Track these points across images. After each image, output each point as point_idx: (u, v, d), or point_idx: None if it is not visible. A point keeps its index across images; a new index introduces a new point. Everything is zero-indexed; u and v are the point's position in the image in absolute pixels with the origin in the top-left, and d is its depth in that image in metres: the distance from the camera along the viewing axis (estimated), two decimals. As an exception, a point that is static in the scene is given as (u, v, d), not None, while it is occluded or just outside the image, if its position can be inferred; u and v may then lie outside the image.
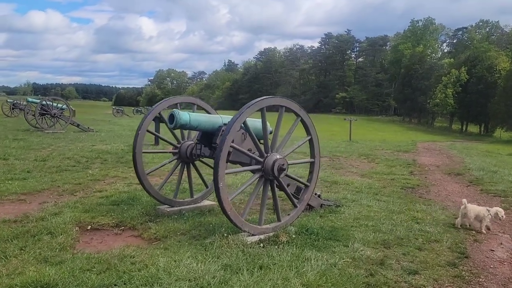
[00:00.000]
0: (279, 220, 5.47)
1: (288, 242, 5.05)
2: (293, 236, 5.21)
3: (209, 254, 4.59)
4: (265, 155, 5.21)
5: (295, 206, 5.69)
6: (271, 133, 6.31)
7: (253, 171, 5.40)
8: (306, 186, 5.83)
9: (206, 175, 7.70)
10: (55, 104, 20.90)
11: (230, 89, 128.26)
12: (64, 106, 21.41)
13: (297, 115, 5.49)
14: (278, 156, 5.23)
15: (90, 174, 9.47)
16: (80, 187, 8.15)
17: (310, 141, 5.77)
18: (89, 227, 5.75)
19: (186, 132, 6.66)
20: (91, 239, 5.42)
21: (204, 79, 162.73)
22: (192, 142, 6.50)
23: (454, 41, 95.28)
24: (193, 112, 6.74)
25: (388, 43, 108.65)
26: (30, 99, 24.23)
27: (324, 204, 7.08)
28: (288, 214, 5.69)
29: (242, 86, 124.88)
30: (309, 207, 6.96)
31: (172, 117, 5.64)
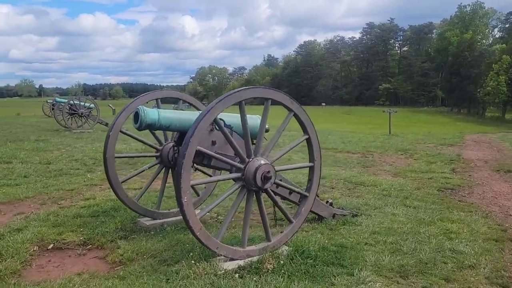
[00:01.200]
0: (268, 240, 4.40)
1: (275, 270, 3.98)
2: (282, 261, 4.13)
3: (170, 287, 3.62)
4: (247, 160, 4.16)
5: (290, 222, 4.60)
6: (267, 131, 5.27)
7: (235, 180, 4.38)
8: (304, 196, 4.73)
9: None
10: (82, 103, 20.65)
11: (270, 84, 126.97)
12: (92, 105, 21.14)
13: (289, 109, 4.40)
14: (262, 162, 4.16)
15: (89, 178, 8.74)
16: (70, 194, 7.41)
17: (308, 141, 4.66)
18: (50, 246, 4.92)
19: (170, 132, 5.71)
20: (48, 262, 4.57)
21: (244, 74, 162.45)
22: None
23: (507, 25, 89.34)
24: (177, 108, 5.80)
25: (433, 31, 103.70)
26: (58, 99, 24.22)
27: (337, 214, 5.94)
28: (281, 232, 4.60)
29: (282, 81, 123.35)
30: (319, 218, 5.86)
31: (136, 115, 4.69)
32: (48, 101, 38.69)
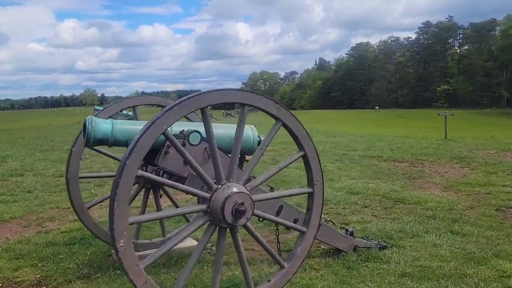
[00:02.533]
0: (249, 292, 3.28)
1: None
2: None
3: None
4: (215, 187, 3.08)
5: (281, 266, 3.44)
6: (259, 143, 4.19)
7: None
8: (302, 232, 3.56)
9: (186, 202, 5.75)
10: (124, 112, 20.32)
11: (321, 87, 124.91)
12: (130, 113, 20.79)
13: (275, 117, 3.27)
14: (234, 189, 3.06)
15: (93, 193, 7.99)
16: (62, 214, 6.64)
17: (305, 159, 3.49)
18: (-2, 287, 4.08)
19: None
20: (-14, 309, 3.73)
21: (296, 79, 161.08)
22: None
23: None
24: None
25: (496, 28, 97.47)
26: (97, 107, 24.12)
27: (360, 247, 4.70)
28: (268, 281, 3.44)
29: (333, 84, 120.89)
30: (336, 251, 4.66)
31: (84, 128, 3.68)
32: (96, 107, 39.48)
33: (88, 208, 4.58)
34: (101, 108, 16.79)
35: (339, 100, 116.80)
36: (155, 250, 3.45)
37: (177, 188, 3.04)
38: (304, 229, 3.48)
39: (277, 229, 4.09)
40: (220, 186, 3.04)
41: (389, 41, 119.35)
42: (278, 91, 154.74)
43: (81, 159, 4.47)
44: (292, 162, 3.45)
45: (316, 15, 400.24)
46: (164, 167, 3.50)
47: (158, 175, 3.77)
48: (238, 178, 3.16)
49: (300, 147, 3.37)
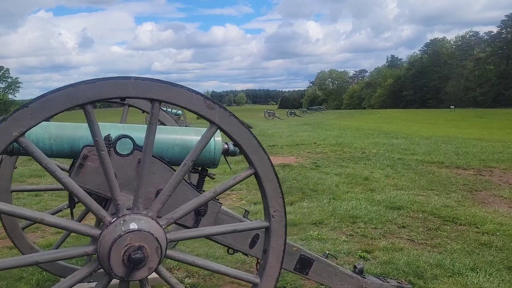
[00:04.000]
0: None
1: None
2: None
3: None
4: (107, 220, 2.13)
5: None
6: (234, 153, 3.17)
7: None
8: (254, 284, 2.48)
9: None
10: (169, 110, 20.05)
11: (392, 86, 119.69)
12: (180, 112, 20.48)
13: (207, 119, 2.24)
14: (131, 225, 2.05)
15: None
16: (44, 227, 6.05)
17: (257, 179, 2.39)
18: None
19: None
20: None
21: (365, 77, 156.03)
22: None
23: None
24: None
25: None
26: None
27: (371, 289, 3.54)
28: None
29: (405, 82, 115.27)
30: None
31: None
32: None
33: (23, 229, 3.78)
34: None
35: (410, 99, 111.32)
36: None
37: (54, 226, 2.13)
38: (256, 279, 2.41)
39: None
40: (114, 220, 2.09)
41: (468, 36, 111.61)
42: (347, 90, 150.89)
43: (15, 167, 3.69)
44: (236, 183, 2.41)
45: (390, 11, 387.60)
46: (82, 185, 2.61)
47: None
48: (151, 208, 2.19)
49: (249, 162, 2.32)
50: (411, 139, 19.20)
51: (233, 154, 3.10)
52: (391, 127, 32.45)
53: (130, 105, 4.01)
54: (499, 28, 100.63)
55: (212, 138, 3.01)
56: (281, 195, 2.33)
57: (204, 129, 2.73)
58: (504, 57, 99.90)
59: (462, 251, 4.78)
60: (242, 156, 2.35)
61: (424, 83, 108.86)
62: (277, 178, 2.32)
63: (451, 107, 77.91)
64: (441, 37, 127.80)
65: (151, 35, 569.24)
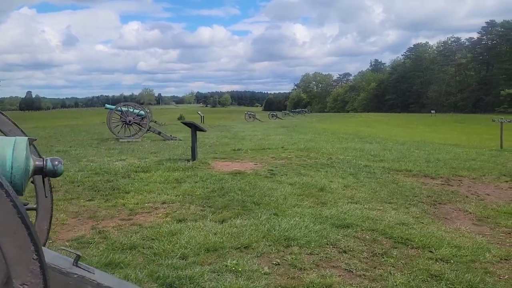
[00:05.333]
0: None
1: None
2: None
3: None
4: None
5: None
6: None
7: None
8: None
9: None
10: (131, 110, 19.04)
11: (376, 90, 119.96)
12: (142, 112, 19.45)
13: None
14: None
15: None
16: None
17: None
18: None
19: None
20: None
21: (349, 81, 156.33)
22: None
23: None
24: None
25: None
26: (108, 106, 23.03)
27: None
28: None
29: (388, 86, 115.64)
30: None
31: None
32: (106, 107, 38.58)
33: None
34: (111, 106, 15.59)
35: (393, 103, 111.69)
36: None
37: None
38: None
39: None
40: None
41: (449, 42, 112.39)
42: (331, 93, 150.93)
43: None
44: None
45: (376, 16, 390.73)
46: None
47: None
48: None
49: None
50: (385, 144, 18.52)
51: (53, 174, 2.21)
52: (369, 131, 31.86)
53: None
54: (479, 35, 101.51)
55: (10, 149, 2.09)
56: (36, 255, 1.41)
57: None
58: (484, 63, 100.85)
59: (405, 286, 3.95)
60: None
61: (406, 87, 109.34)
62: (30, 227, 1.40)
63: (432, 111, 78.21)
64: (424, 42, 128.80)
65: (137, 34, 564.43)
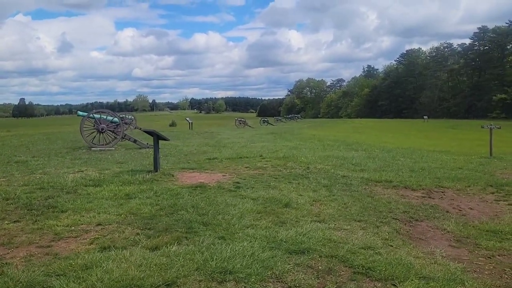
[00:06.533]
0: None
1: None
2: None
3: None
4: None
5: None
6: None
7: None
8: None
9: None
10: (104, 117, 18.16)
11: (369, 95, 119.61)
12: (116, 119, 18.58)
13: None
14: None
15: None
16: None
17: None
18: None
19: None
20: None
21: (343, 86, 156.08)
22: None
23: None
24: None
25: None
26: (80, 113, 22.02)
27: None
28: None
29: (381, 92, 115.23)
30: None
31: None
32: (79, 114, 37.44)
33: None
34: (83, 113, 14.75)
35: (386, 109, 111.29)
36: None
37: None
38: None
39: None
40: None
41: (442, 48, 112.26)
42: (324, 99, 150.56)
43: None
44: None
45: (370, 22, 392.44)
46: None
47: None
48: None
49: None
50: (371, 152, 17.76)
51: None
52: (358, 137, 31.11)
53: None
54: (471, 40, 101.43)
55: None
56: None
57: None
58: (476, 69, 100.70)
59: None
60: None
61: (399, 93, 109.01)
62: None
63: (425, 117, 77.80)
64: (416, 47, 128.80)
65: (132, 41, 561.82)
